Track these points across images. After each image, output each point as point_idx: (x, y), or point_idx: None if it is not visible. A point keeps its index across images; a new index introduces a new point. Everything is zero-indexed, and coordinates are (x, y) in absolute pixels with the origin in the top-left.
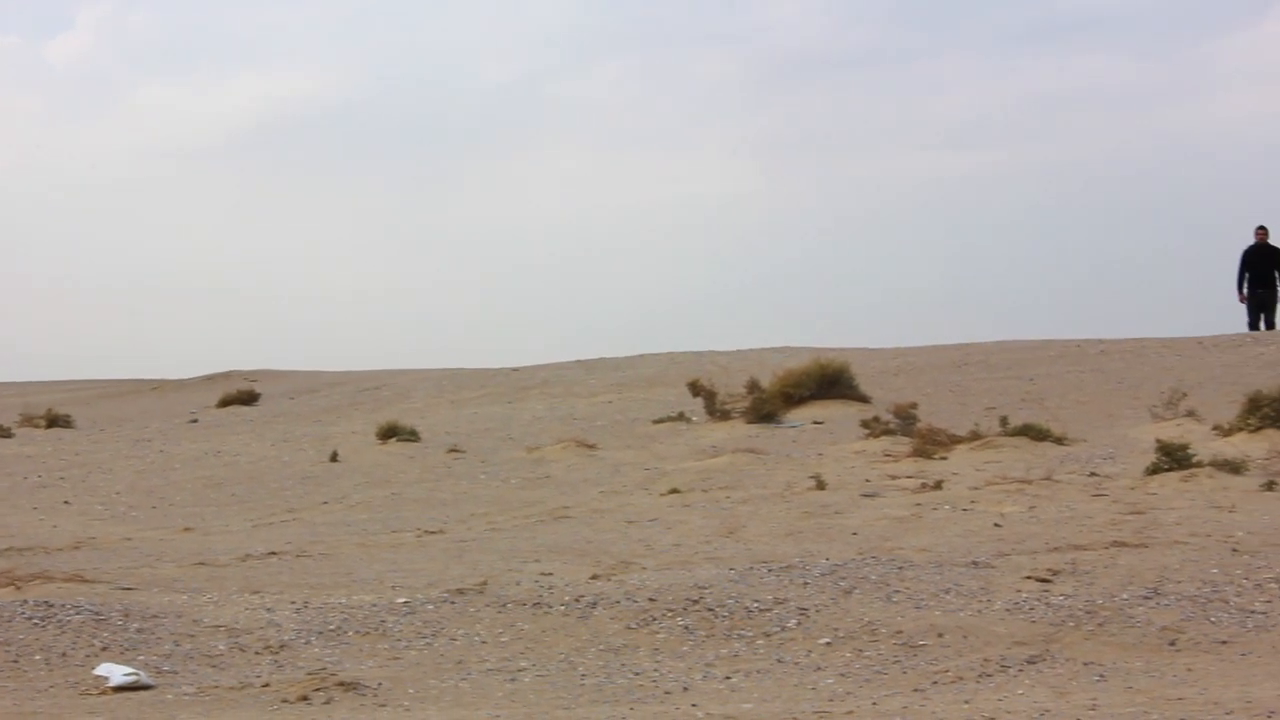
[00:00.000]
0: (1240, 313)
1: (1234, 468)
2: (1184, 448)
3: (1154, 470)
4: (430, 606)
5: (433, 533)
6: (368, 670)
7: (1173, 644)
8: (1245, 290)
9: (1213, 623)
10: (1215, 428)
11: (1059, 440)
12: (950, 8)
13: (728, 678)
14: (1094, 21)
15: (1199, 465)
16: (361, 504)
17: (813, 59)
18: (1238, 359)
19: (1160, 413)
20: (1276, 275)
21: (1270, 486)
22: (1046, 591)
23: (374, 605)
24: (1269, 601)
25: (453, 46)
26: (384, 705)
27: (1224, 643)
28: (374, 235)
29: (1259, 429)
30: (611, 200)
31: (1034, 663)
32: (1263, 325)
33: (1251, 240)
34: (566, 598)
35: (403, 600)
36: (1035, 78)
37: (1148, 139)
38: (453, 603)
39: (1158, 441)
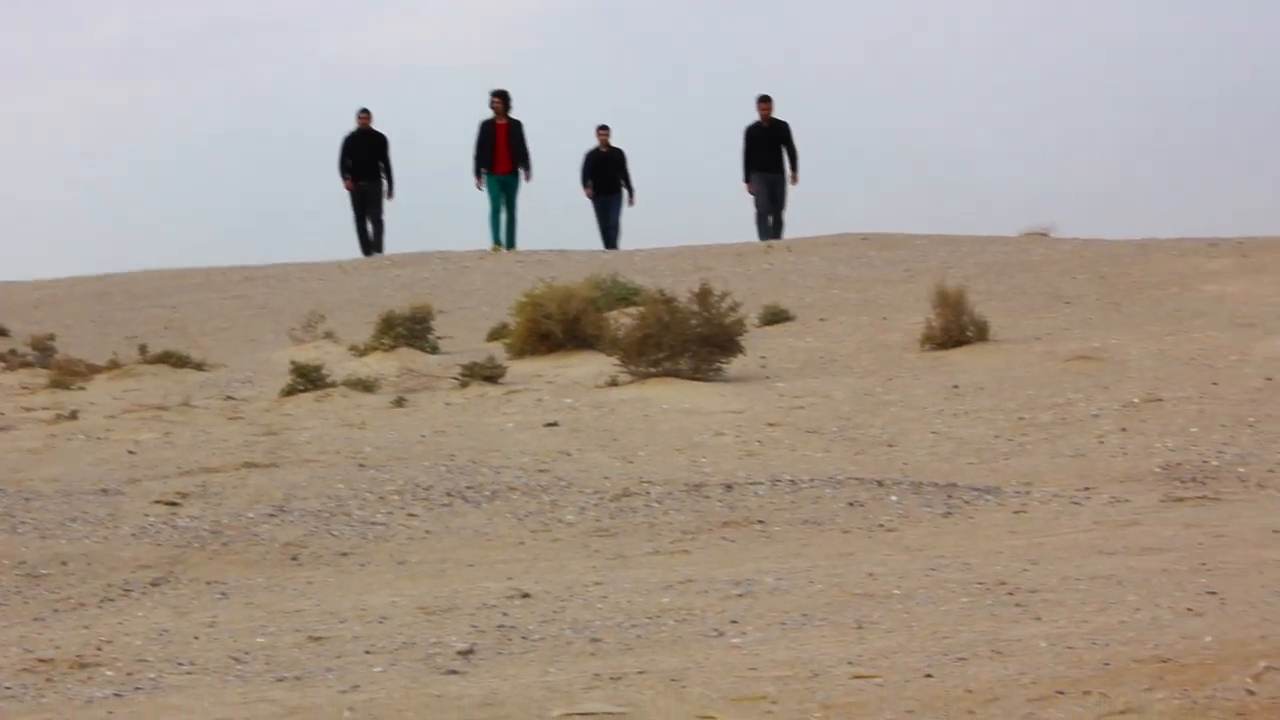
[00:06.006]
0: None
1: (367, 386)
2: (318, 368)
3: (289, 392)
4: None
5: None
6: None
7: (295, 559)
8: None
9: (335, 536)
10: (352, 348)
11: (199, 366)
12: None
13: None
14: None
15: (333, 385)
16: None
17: None
18: (376, 281)
19: (299, 336)
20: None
21: (400, 403)
22: (174, 514)
23: None
24: (390, 513)
25: None
26: None
27: (345, 555)
28: None
29: (392, 348)
30: None
31: (158, 585)
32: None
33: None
34: None
35: None
36: (189, 6)
37: (310, 65)
38: None
39: (293, 364)
